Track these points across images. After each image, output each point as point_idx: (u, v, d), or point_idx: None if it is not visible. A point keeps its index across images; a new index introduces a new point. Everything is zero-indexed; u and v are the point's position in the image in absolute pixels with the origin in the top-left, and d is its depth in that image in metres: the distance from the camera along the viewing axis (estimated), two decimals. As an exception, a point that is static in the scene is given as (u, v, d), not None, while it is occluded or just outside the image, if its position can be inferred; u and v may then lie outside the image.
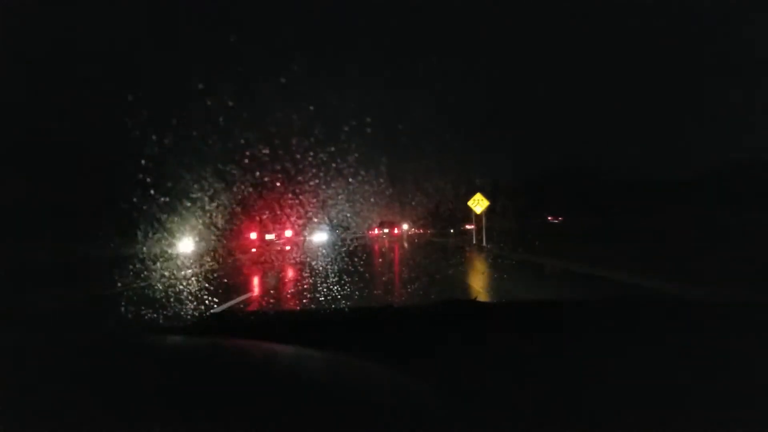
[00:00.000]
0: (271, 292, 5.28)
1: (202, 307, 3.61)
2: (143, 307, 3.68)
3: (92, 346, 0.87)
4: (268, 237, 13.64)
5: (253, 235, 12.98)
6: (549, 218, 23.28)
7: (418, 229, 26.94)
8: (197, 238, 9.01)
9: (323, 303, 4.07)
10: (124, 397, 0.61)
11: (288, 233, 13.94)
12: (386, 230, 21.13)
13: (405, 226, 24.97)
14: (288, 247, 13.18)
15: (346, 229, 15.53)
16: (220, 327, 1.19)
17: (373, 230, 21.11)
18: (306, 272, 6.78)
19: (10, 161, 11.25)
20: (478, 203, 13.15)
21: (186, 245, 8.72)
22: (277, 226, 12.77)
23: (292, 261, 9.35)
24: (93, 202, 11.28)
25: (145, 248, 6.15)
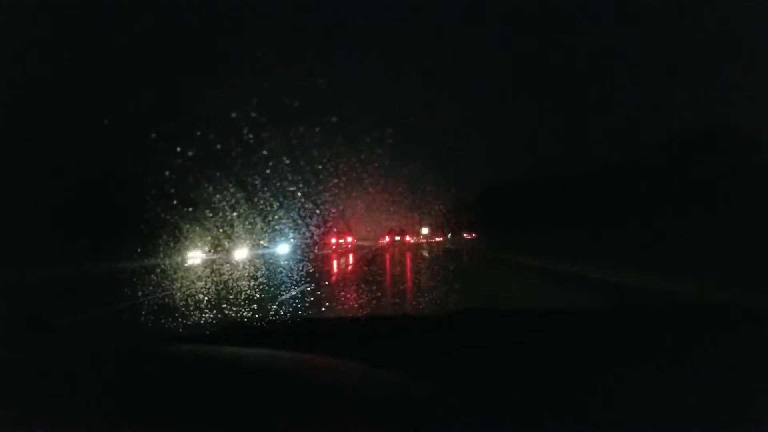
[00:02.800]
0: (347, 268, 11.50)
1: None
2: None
3: (115, 357, 0.88)
4: (341, 241, 21.76)
5: (333, 240, 21.01)
6: (464, 234, 25.61)
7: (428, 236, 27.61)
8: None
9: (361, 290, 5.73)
10: (142, 404, 0.63)
11: (349, 239, 22.33)
12: (397, 237, 24.02)
13: (425, 230, 26.70)
14: (350, 246, 21.66)
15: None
16: (234, 336, 1.23)
17: (385, 238, 23.76)
18: (361, 259, 14.20)
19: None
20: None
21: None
22: (341, 235, 21.15)
23: (352, 254, 17.33)
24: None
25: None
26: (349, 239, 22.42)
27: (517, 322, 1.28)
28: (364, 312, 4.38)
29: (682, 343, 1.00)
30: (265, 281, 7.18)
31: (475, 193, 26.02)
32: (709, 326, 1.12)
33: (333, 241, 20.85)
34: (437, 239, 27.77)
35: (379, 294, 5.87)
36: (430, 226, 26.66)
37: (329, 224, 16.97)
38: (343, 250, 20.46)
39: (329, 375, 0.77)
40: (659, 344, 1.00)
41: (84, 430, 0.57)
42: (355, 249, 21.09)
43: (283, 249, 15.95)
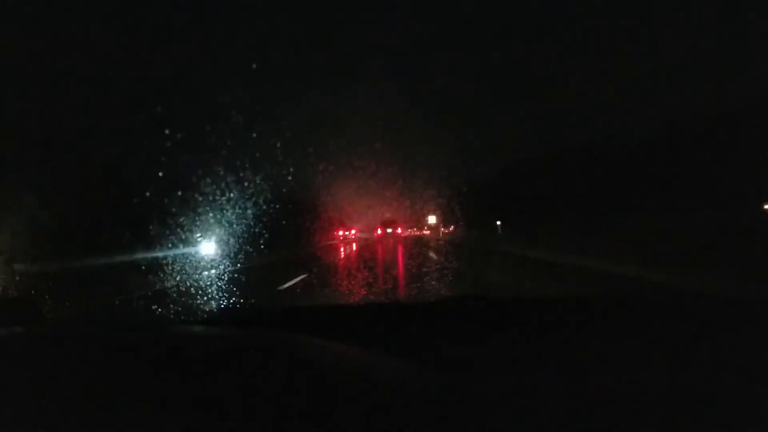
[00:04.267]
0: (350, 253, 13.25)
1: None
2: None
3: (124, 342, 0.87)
4: (346, 233, 23.83)
5: (340, 232, 23.18)
6: (443, 229, 25.73)
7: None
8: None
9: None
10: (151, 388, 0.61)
11: (353, 231, 24.52)
12: (389, 230, 21.83)
13: (432, 219, 25.31)
14: (353, 237, 23.56)
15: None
16: (234, 320, 1.24)
17: (377, 230, 22.04)
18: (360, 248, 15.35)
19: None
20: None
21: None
22: (346, 226, 23.30)
23: (354, 243, 18.56)
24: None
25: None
26: (353, 231, 24.86)
27: (513, 309, 1.29)
28: (359, 297, 4.49)
29: (683, 336, 0.96)
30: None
31: (472, 186, 25.60)
32: (712, 320, 1.08)
33: (340, 233, 23.34)
34: (425, 232, 27.18)
35: (371, 280, 6.21)
36: (432, 216, 25.88)
37: (325, 218, 19.38)
38: (348, 240, 22.58)
39: (327, 357, 0.76)
40: (659, 336, 0.96)
41: (80, 420, 0.55)
42: (357, 240, 23.22)
43: (207, 249, 10.47)
